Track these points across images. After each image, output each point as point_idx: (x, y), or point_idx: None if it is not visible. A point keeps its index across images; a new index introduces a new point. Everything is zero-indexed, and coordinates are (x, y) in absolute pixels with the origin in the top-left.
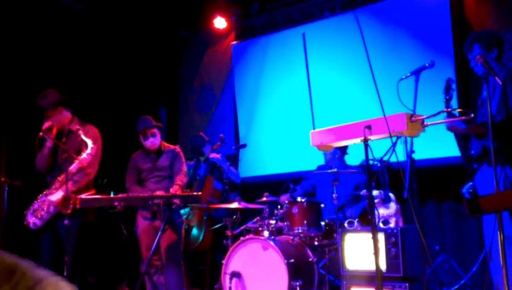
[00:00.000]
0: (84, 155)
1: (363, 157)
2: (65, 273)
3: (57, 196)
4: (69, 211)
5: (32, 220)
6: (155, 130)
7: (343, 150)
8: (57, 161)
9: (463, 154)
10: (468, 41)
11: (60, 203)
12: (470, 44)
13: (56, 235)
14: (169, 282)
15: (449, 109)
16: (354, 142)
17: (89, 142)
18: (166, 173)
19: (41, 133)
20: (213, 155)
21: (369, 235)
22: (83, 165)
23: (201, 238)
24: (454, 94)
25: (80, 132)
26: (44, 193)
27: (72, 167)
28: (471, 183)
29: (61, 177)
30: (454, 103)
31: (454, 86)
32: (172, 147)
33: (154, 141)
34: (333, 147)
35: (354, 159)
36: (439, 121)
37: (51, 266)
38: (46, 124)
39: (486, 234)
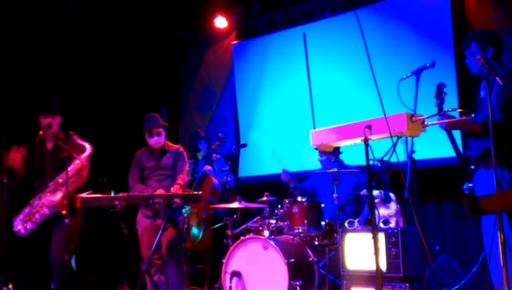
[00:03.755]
0: (83, 155)
1: (363, 157)
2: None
3: (57, 196)
4: (64, 212)
5: (23, 226)
6: (161, 130)
7: (336, 152)
8: (45, 165)
9: (458, 155)
10: (466, 38)
11: (59, 204)
12: (467, 41)
13: (46, 239)
14: (170, 281)
15: (449, 109)
16: (354, 142)
17: (87, 145)
18: (169, 172)
19: (41, 132)
20: (206, 167)
21: (370, 235)
22: (83, 164)
23: (200, 236)
24: (455, 94)
25: (75, 137)
26: (38, 196)
27: (71, 168)
28: (470, 185)
29: (56, 180)
30: (454, 103)
31: (446, 90)
32: (176, 146)
33: (158, 139)
34: (332, 147)
35: (354, 159)
36: (440, 121)
37: (37, 269)
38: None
39: (485, 236)
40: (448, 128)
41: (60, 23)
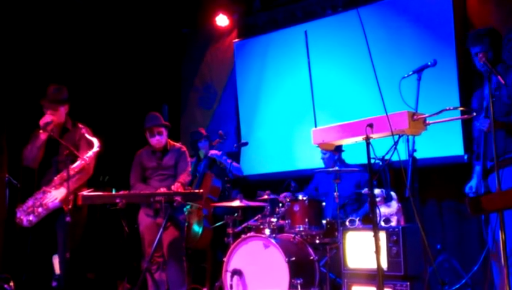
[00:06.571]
0: (90, 153)
1: (364, 156)
2: (65, 271)
3: (61, 192)
4: (67, 208)
5: (26, 217)
6: (162, 129)
7: (338, 149)
8: (52, 158)
9: (478, 154)
10: (476, 35)
11: (63, 200)
12: (480, 37)
13: (49, 234)
14: (170, 279)
15: (450, 108)
16: (355, 141)
17: (95, 141)
18: (171, 172)
19: (41, 131)
20: (213, 152)
21: (371, 233)
22: (87, 163)
23: (200, 233)
24: (456, 93)
25: (84, 130)
26: (42, 190)
27: (76, 165)
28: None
29: (62, 174)
30: (456, 102)
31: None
32: (177, 145)
33: (160, 139)
34: (334, 146)
35: (355, 157)
36: (441, 120)
37: (38, 265)
38: (47, 119)
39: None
40: (496, 128)
41: (59, 20)
